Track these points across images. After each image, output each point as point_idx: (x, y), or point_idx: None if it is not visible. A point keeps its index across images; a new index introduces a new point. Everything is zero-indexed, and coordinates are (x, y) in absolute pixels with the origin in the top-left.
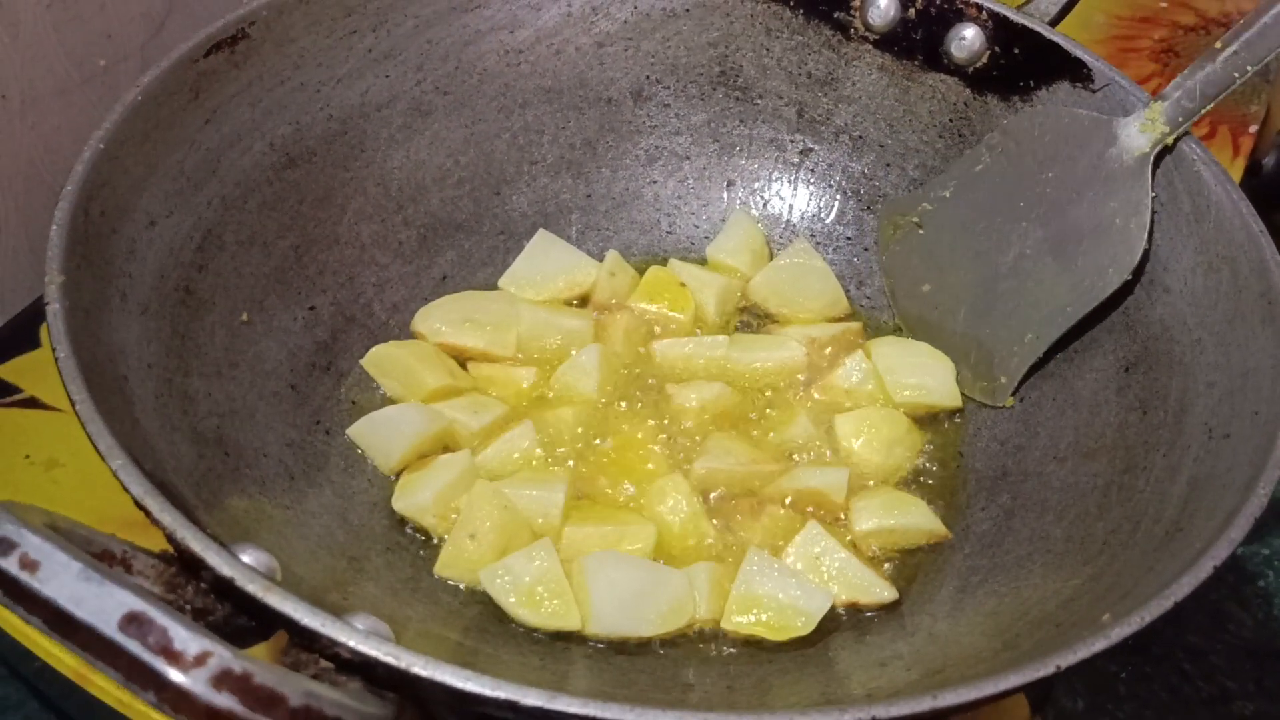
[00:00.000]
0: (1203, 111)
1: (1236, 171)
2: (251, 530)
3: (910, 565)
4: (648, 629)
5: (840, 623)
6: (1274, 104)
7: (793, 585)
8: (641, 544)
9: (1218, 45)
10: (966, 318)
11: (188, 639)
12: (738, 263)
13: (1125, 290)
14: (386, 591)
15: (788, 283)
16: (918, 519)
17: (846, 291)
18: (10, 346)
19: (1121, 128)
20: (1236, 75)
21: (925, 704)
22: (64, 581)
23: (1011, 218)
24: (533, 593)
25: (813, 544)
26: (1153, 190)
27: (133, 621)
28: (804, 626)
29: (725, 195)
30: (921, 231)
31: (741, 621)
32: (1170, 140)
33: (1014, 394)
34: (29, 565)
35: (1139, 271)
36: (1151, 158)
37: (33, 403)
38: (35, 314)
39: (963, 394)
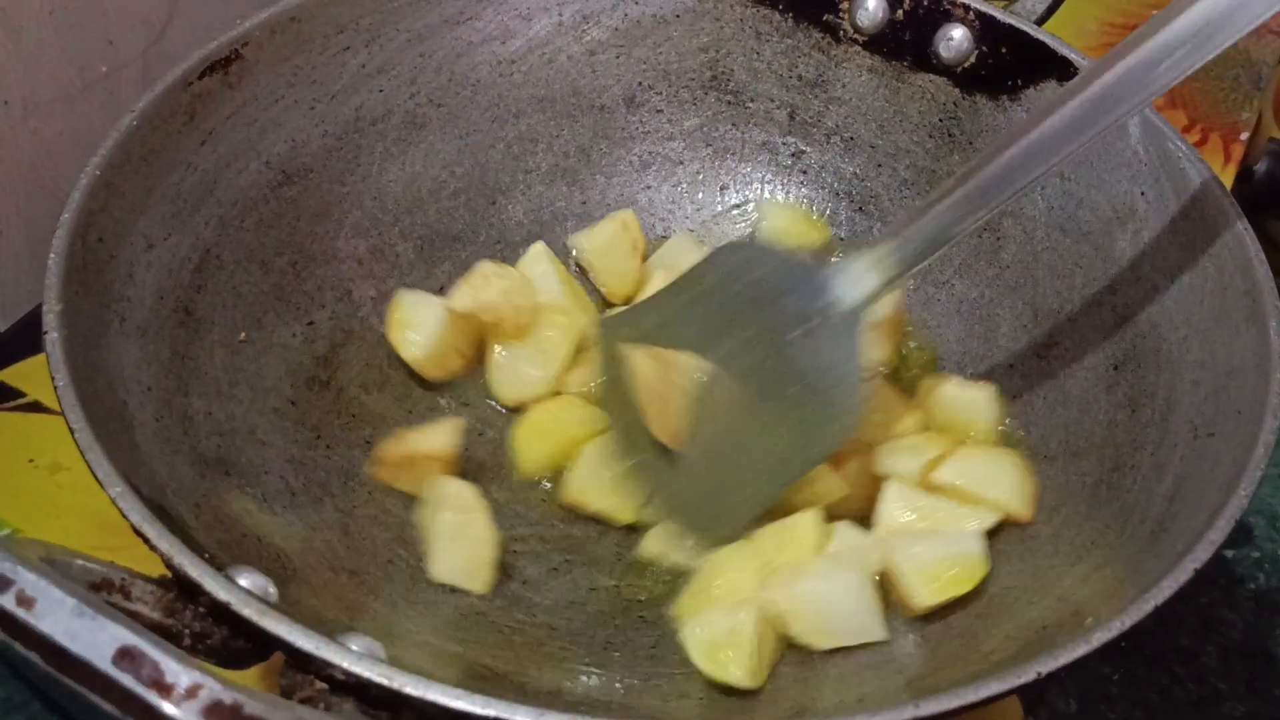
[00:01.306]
0: (924, 263)
1: (1228, 178)
2: (252, 548)
3: None
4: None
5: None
6: (1265, 111)
7: (944, 541)
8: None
9: (945, 187)
10: (701, 460)
11: (179, 671)
12: None
13: (1114, 288)
14: (386, 604)
15: None
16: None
17: None
18: (13, 351)
19: (834, 276)
20: (968, 223)
21: (907, 712)
22: (59, 617)
23: (727, 354)
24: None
25: (905, 501)
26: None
27: (125, 655)
28: (983, 562)
29: (719, 199)
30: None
31: (933, 594)
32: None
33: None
34: (25, 602)
35: (1129, 269)
36: (860, 315)
37: (36, 407)
38: (38, 319)
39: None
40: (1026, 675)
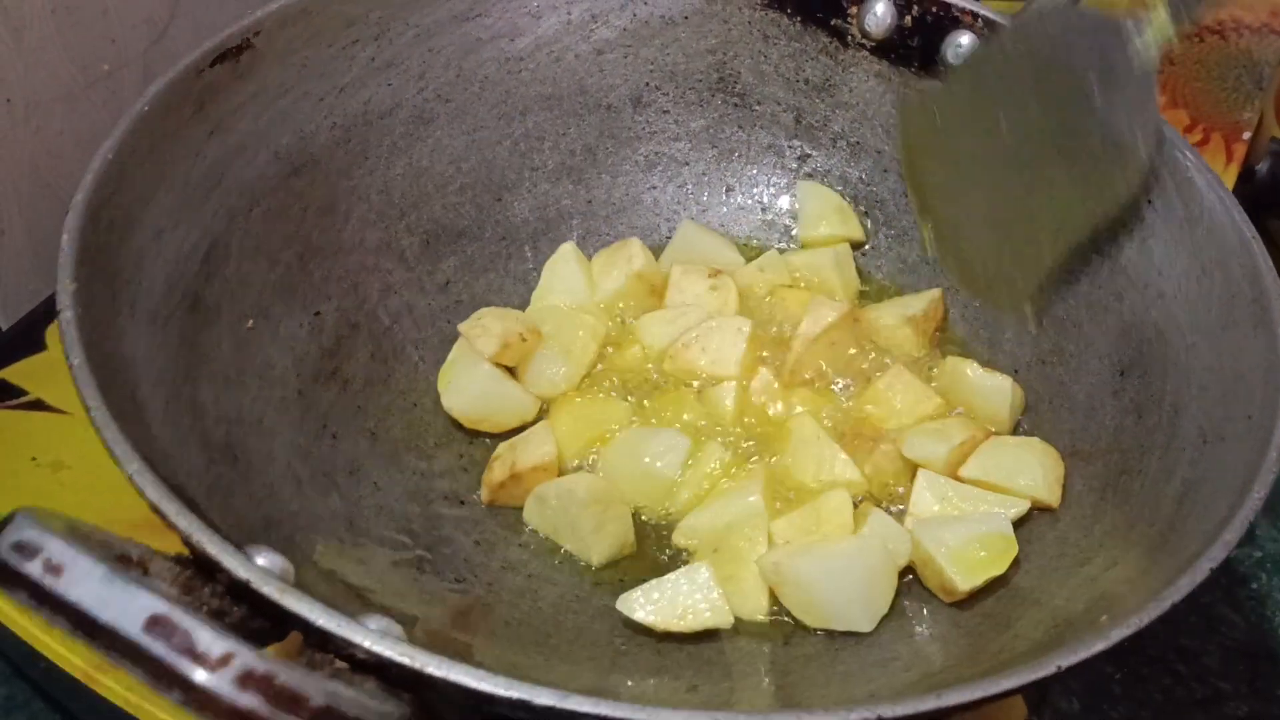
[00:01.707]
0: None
1: (1230, 178)
2: (261, 536)
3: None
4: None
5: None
6: (1267, 111)
7: (973, 523)
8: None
9: None
10: (984, 220)
11: (211, 640)
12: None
13: (1121, 295)
14: (394, 595)
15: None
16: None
17: None
18: (15, 350)
19: (1130, 32)
20: None
21: (929, 703)
22: (88, 585)
23: (1025, 117)
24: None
25: (936, 490)
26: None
27: (156, 623)
28: (1012, 542)
29: (725, 200)
30: (940, 123)
31: (970, 577)
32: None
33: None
34: (53, 569)
35: (1136, 276)
36: (1156, 67)
37: (39, 405)
38: (40, 317)
39: (982, 302)
40: (1046, 669)
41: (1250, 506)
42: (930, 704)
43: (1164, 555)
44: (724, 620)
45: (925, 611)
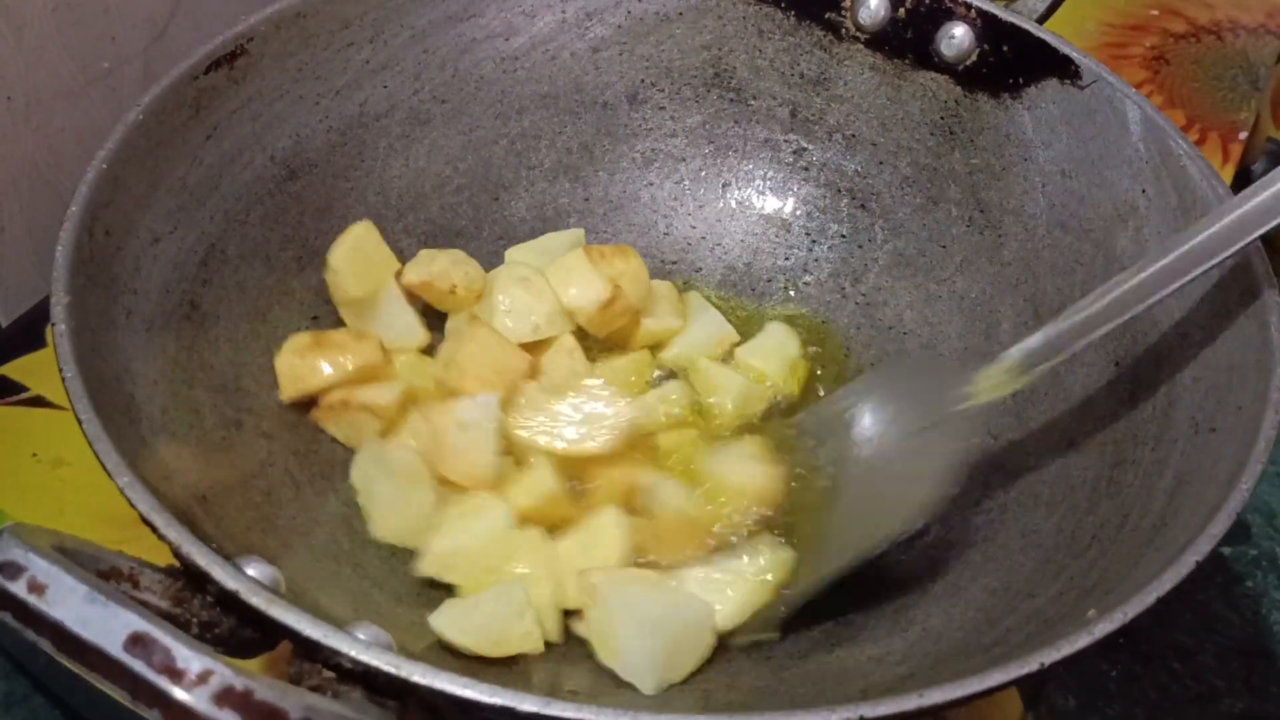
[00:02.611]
0: (1051, 364)
1: (1226, 178)
2: (258, 540)
3: (905, 562)
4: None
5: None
6: (1263, 111)
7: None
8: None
9: (1083, 302)
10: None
11: (190, 657)
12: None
13: None
14: (391, 597)
15: None
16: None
17: (841, 289)
18: (16, 346)
19: (971, 379)
20: (1094, 332)
21: (912, 702)
22: (70, 604)
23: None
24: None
25: None
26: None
27: (137, 642)
28: None
29: (721, 196)
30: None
31: None
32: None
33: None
34: (36, 589)
35: (1129, 264)
36: (971, 413)
37: (39, 401)
38: (41, 313)
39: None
40: (1030, 666)
41: (1237, 499)
42: (913, 703)
43: (1154, 548)
44: (536, 646)
45: (919, 606)
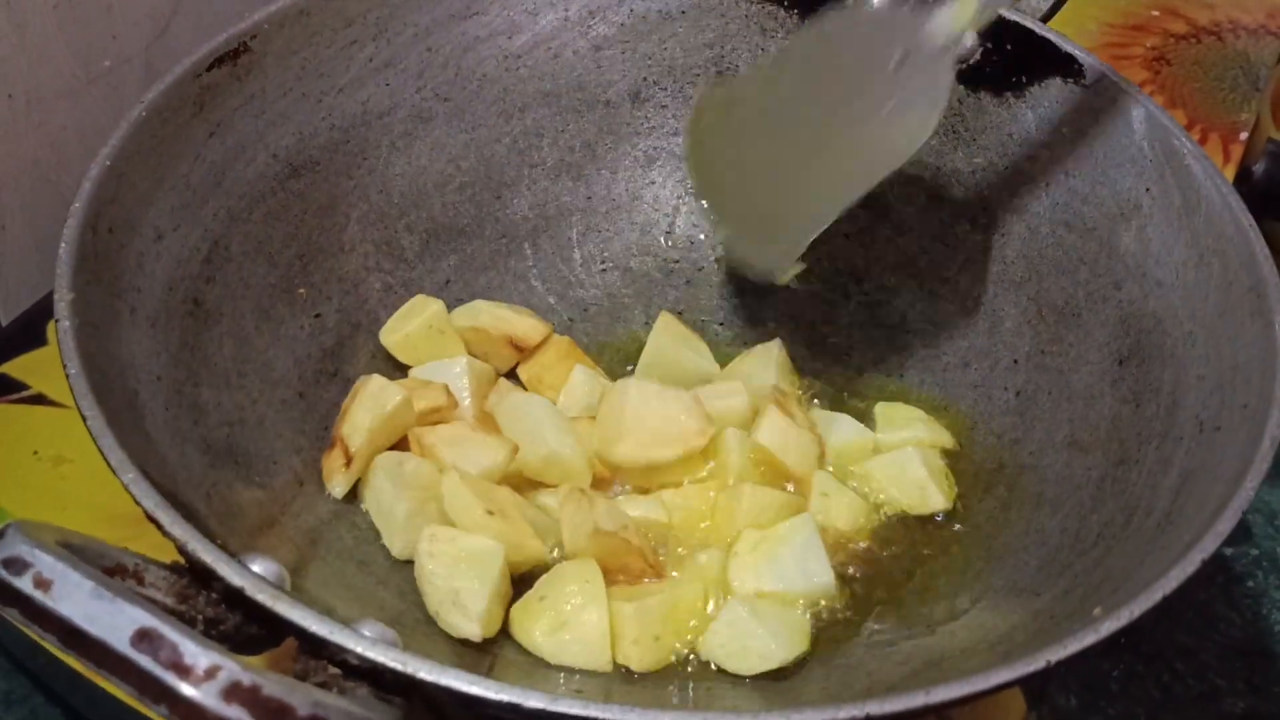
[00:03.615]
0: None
1: (1227, 178)
2: (261, 537)
3: (908, 559)
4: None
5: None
6: (1263, 112)
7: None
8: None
9: None
10: (764, 190)
11: (197, 653)
12: None
13: (1118, 283)
14: (394, 594)
15: None
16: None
17: (844, 289)
18: (17, 344)
19: (932, 17)
20: None
21: (919, 700)
22: (77, 600)
23: (818, 96)
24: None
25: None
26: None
27: (144, 638)
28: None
29: None
30: (731, 113)
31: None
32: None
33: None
34: (42, 584)
35: (1134, 265)
36: (955, 44)
37: (40, 399)
38: (41, 312)
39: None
40: (1036, 664)
41: (1243, 496)
42: (919, 701)
43: (1159, 546)
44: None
45: (923, 604)
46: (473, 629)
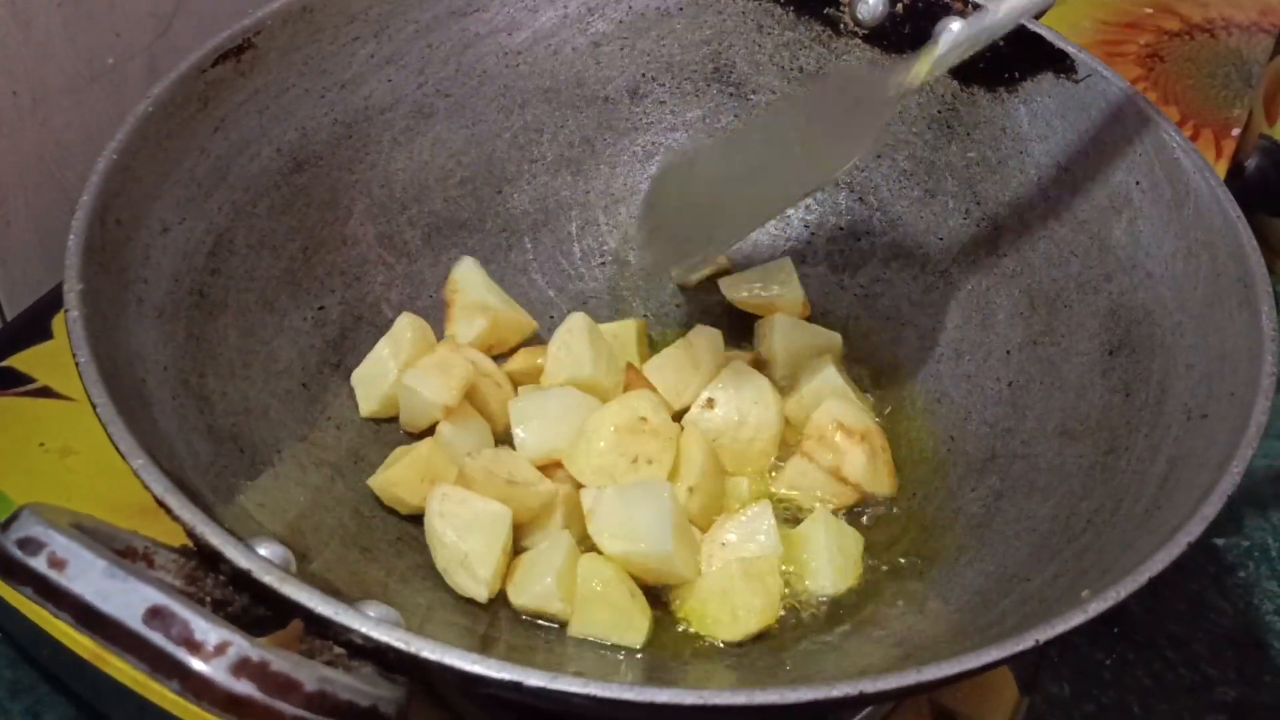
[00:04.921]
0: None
1: (1219, 174)
2: (267, 524)
3: (901, 545)
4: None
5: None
6: (1256, 108)
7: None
8: None
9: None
10: (693, 215)
11: (208, 630)
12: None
13: (1109, 275)
14: (397, 579)
15: None
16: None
17: (839, 281)
18: (23, 338)
19: (891, 75)
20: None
21: (910, 678)
22: (90, 578)
23: (770, 144)
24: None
25: None
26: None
27: (156, 615)
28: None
29: None
30: (688, 169)
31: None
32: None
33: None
34: (57, 564)
35: (1125, 257)
36: (904, 93)
37: (46, 392)
38: (47, 306)
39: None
40: (1025, 643)
41: (1229, 481)
42: (911, 679)
43: (1147, 531)
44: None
45: (915, 590)
46: (480, 591)
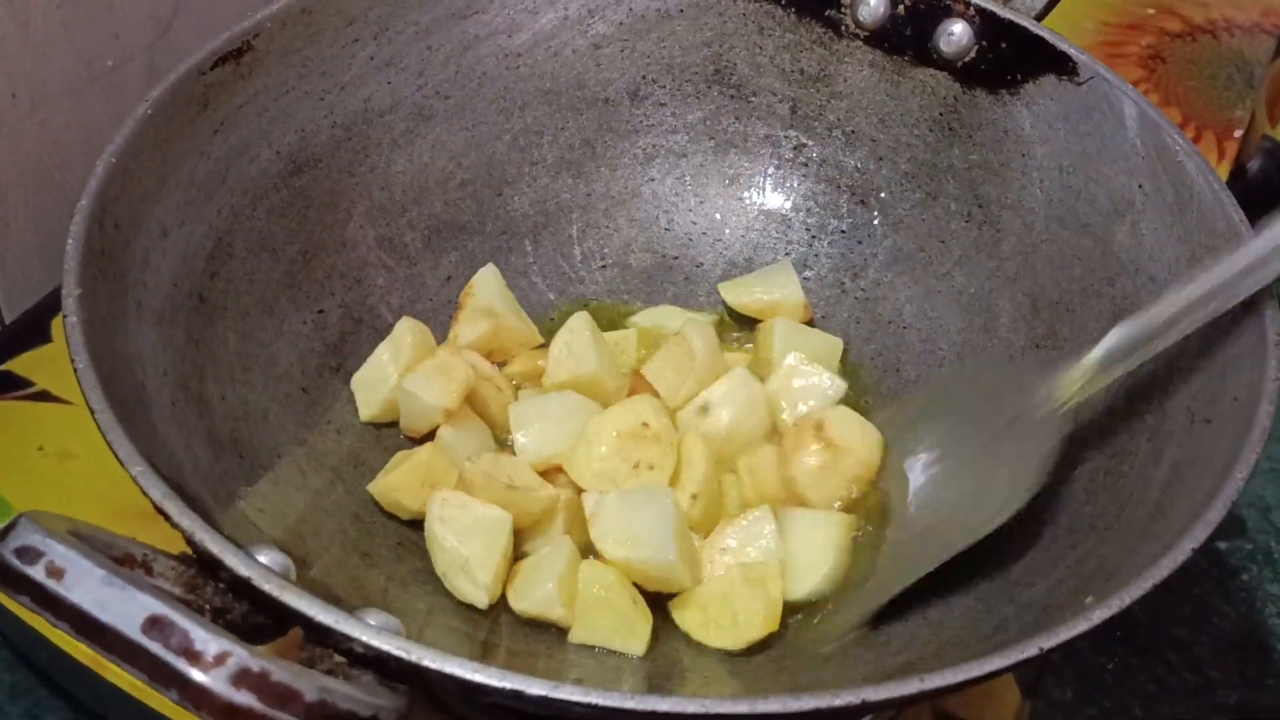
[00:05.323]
0: (1133, 366)
1: (1222, 175)
2: (266, 529)
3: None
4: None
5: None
6: (1258, 109)
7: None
8: None
9: (1158, 303)
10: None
11: (207, 639)
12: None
13: (1112, 279)
14: (398, 585)
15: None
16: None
17: (840, 284)
18: (22, 341)
19: (1049, 380)
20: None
21: (913, 686)
22: (88, 587)
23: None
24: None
25: None
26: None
27: (155, 624)
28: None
29: (722, 191)
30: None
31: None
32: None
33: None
34: (55, 573)
35: (1127, 261)
36: (1061, 414)
37: (45, 396)
38: (46, 309)
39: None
40: (1029, 651)
41: (1233, 486)
42: (914, 687)
43: (1150, 537)
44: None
45: (918, 596)
46: (480, 596)
